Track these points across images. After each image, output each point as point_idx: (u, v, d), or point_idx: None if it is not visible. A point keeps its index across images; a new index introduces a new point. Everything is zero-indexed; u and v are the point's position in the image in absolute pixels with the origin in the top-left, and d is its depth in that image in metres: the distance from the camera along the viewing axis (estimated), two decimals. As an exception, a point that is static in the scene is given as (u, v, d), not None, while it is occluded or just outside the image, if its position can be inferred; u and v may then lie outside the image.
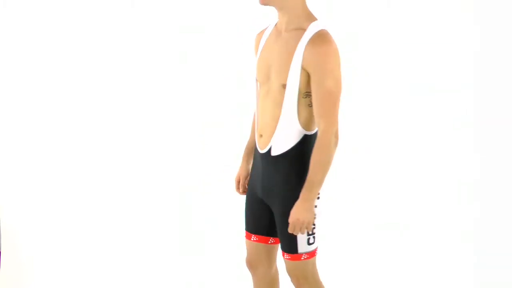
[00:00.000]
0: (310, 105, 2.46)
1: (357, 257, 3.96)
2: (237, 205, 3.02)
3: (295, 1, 2.43)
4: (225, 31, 4.32)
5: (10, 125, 4.20)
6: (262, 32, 2.66)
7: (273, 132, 2.51)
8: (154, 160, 4.35)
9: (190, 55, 4.36)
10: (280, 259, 2.86)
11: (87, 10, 4.26)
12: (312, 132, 2.50)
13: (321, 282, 2.71)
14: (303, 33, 2.41)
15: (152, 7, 4.30)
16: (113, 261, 3.86)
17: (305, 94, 2.44)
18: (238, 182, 2.82)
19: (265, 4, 2.45)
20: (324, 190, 2.57)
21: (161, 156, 4.35)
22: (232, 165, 3.72)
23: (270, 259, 2.77)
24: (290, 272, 2.64)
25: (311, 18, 2.46)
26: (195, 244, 4.04)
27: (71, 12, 4.25)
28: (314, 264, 2.65)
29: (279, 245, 2.67)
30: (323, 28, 2.42)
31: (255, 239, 2.74)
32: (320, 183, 2.46)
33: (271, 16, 2.71)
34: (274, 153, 2.53)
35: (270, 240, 2.72)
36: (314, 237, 2.57)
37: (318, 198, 2.54)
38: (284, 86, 2.45)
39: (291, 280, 2.67)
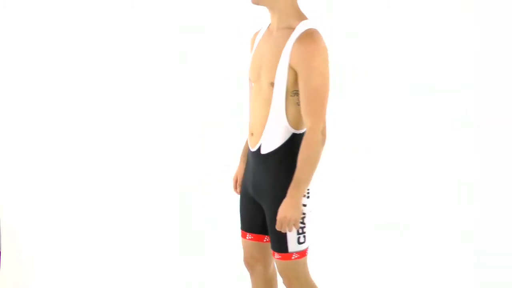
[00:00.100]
0: (298, 104, 2.47)
1: (357, 257, 3.96)
2: (237, 205, 3.03)
3: (285, 0, 2.45)
4: (225, 31, 4.32)
5: (10, 125, 4.20)
6: (258, 32, 2.70)
7: (262, 130, 2.53)
8: (154, 160, 4.35)
9: (190, 55, 4.36)
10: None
11: (87, 10, 4.26)
12: (301, 131, 2.50)
13: (313, 283, 2.69)
14: (292, 32, 2.43)
15: (152, 7, 4.30)
16: (113, 261, 3.86)
17: (293, 93, 2.46)
18: (236, 181, 2.85)
19: (256, 4, 2.48)
20: (314, 189, 2.57)
21: (161, 156, 4.36)
22: (232, 165, 3.72)
23: (267, 257, 2.78)
24: (281, 272, 2.63)
25: (301, 17, 2.48)
26: (195, 244, 4.04)
27: (71, 12, 4.25)
28: (305, 264, 2.64)
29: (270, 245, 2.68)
30: (311, 27, 2.43)
31: (250, 237, 2.76)
32: (307, 180, 2.46)
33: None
34: (263, 151, 2.54)
35: (265, 238, 2.73)
36: (304, 237, 2.56)
37: (308, 197, 2.54)
38: (272, 84, 2.47)
39: (283, 281, 2.66)
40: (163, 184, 4.32)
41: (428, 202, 4.33)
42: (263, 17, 3.23)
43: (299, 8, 2.49)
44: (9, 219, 3.96)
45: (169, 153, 4.36)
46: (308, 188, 2.52)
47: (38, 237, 3.99)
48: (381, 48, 4.35)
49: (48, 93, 4.24)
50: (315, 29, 2.43)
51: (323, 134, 2.45)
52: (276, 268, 2.85)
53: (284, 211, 2.46)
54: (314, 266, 3.85)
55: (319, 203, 4.35)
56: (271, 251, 2.67)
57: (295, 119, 2.48)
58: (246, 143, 2.82)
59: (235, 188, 2.85)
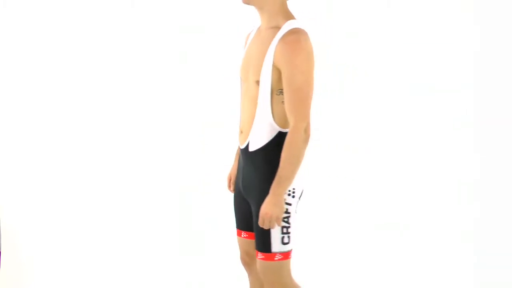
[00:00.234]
0: (284, 102, 2.48)
1: (357, 257, 3.96)
2: (237, 205, 3.03)
3: (274, 0, 2.48)
4: (225, 31, 4.32)
5: (10, 125, 4.20)
6: (251, 32, 2.73)
7: (250, 128, 2.55)
8: (154, 160, 4.35)
9: (190, 55, 4.36)
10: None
11: (87, 10, 4.26)
12: (288, 130, 2.51)
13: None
14: (278, 31, 2.46)
15: (152, 7, 4.30)
16: (113, 261, 3.86)
17: (279, 91, 2.47)
18: (230, 180, 2.88)
19: (247, 4, 2.51)
20: (299, 189, 2.56)
21: (161, 156, 4.36)
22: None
23: None
24: (263, 275, 2.61)
25: (288, 17, 2.50)
26: (195, 244, 4.04)
27: (71, 12, 4.25)
28: (289, 270, 2.63)
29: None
30: (296, 27, 2.45)
31: (245, 235, 2.78)
32: (288, 178, 2.46)
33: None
34: (251, 148, 2.57)
35: None
36: (289, 237, 2.55)
37: (293, 196, 2.55)
38: (257, 82, 2.50)
39: (265, 287, 2.64)
40: (163, 184, 4.32)
41: (428, 202, 4.33)
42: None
43: (287, 9, 2.52)
44: (9, 219, 3.96)
45: (169, 153, 4.36)
46: (294, 187, 2.53)
47: (38, 237, 3.99)
48: (381, 48, 4.35)
49: (48, 93, 4.24)
50: (300, 28, 2.45)
51: (307, 132, 2.45)
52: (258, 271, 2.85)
53: (266, 208, 2.47)
54: (315, 265, 3.85)
55: (319, 203, 4.35)
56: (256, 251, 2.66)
57: (281, 117, 2.50)
58: None
59: (229, 186, 2.88)
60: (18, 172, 4.17)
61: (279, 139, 2.50)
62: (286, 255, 2.57)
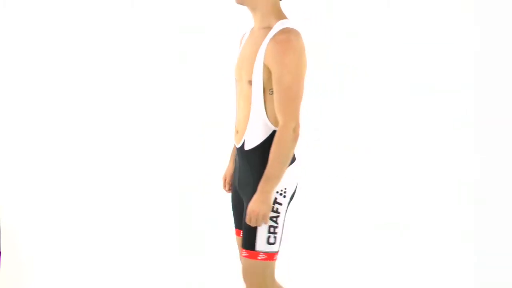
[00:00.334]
0: None
1: (357, 257, 3.96)
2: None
3: (267, 1, 2.49)
4: (225, 31, 4.31)
5: (10, 125, 4.20)
6: (246, 33, 2.75)
7: (246, 128, 2.56)
8: (154, 160, 4.35)
9: (190, 55, 4.36)
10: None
11: (87, 10, 4.26)
12: None
13: None
14: (269, 31, 2.47)
15: (152, 7, 4.30)
16: (113, 261, 3.86)
17: (271, 91, 2.49)
18: (225, 180, 2.89)
19: (241, 4, 2.52)
20: (290, 189, 2.56)
21: (161, 156, 4.36)
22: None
23: None
24: (245, 274, 2.58)
25: (280, 17, 2.51)
26: (195, 244, 4.04)
27: (71, 12, 4.24)
28: (271, 273, 2.59)
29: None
30: (287, 26, 2.45)
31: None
32: (276, 176, 2.46)
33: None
34: (246, 147, 2.57)
35: None
36: (275, 237, 2.54)
37: (284, 196, 2.54)
38: (250, 82, 2.51)
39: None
40: (163, 184, 4.32)
41: (428, 202, 4.33)
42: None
43: (280, 9, 2.53)
44: (9, 219, 3.96)
45: (169, 153, 4.36)
46: (285, 187, 2.53)
47: (38, 237, 3.99)
48: (381, 48, 4.35)
49: (48, 93, 4.24)
50: (291, 28, 2.45)
51: (295, 131, 2.46)
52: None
53: (253, 205, 2.47)
54: (314, 265, 3.85)
55: (319, 203, 4.35)
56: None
57: (275, 116, 2.51)
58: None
59: (224, 186, 2.89)
60: (18, 172, 4.17)
61: (273, 138, 2.51)
62: (270, 256, 2.55)
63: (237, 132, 2.64)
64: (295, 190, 2.61)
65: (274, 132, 2.52)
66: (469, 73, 4.32)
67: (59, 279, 3.69)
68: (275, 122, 2.51)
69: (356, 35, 4.36)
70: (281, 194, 2.53)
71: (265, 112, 2.51)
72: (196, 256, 3.93)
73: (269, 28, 2.49)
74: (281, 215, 2.54)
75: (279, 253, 2.61)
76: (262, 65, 2.46)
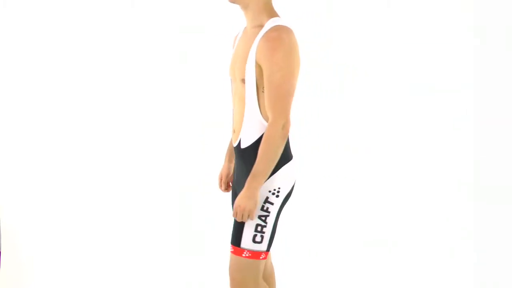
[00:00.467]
0: None
1: (358, 255, 3.96)
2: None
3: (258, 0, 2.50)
4: (225, 31, 4.31)
5: (10, 125, 4.19)
6: (238, 33, 2.75)
7: (241, 127, 2.57)
8: (154, 160, 4.35)
9: (190, 55, 4.35)
10: (273, 255, 2.86)
11: (87, 10, 4.26)
12: None
13: None
14: (261, 29, 2.48)
15: (152, 7, 4.30)
16: (113, 261, 3.86)
17: (264, 89, 2.48)
18: (221, 180, 2.90)
19: (232, 2, 2.53)
20: (285, 189, 2.55)
21: (161, 156, 4.35)
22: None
23: None
24: (230, 270, 2.56)
25: (272, 15, 2.52)
26: (195, 244, 4.04)
27: (71, 12, 4.24)
28: (256, 273, 2.55)
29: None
30: (279, 24, 2.45)
31: None
32: (263, 173, 2.46)
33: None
34: (242, 145, 2.58)
35: None
36: (262, 237, 2.51)
37: (278, 196, 2.53)
38: (243, 81, 2.52)
39: (230, 284, 2.59)
40: (163, 184, 4.32)
41: (427, 201, 4.32)
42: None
43: (272, 7, 2.54)
44: (9, 219, 3.96)
45: (169, 153, 4.36)
46: (279, 186, 2.53)
47: (38, 237, 3.99)
48: (381, 48, 4.35)
49: (48, 93, 4.24)
50: (282, 25, 2.46)
51: (285, 129, 2.45)
52: (272, 264, 2.86)
53: (239, 200, 2.47)
54: (314, 265, 3.85)
55: (319, 203, 4.34)
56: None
57: None
58: (230, 142, 2.87)
59: (220, 186, 2.90)
60: (18, 172, 4.17)
61: (263, 135, 2.51)
62: (255, 254, 2.52)
63: (234, 131, 2.65)
64: (291, 190, 2.60)
65: None
66: (469, 73, 4.32)
67: (59, 279, 3.69)
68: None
69: (356, 35, 4.36)
70: (273, 194, 2.52)
71: (259, 110, 2.51)
72: (196, 256, 3.93)
73: (261, 26, 2.50)
74: (272, 215, 2.52)
75: (269, 253, 2.59)
76: (254, 63, 2.46)
